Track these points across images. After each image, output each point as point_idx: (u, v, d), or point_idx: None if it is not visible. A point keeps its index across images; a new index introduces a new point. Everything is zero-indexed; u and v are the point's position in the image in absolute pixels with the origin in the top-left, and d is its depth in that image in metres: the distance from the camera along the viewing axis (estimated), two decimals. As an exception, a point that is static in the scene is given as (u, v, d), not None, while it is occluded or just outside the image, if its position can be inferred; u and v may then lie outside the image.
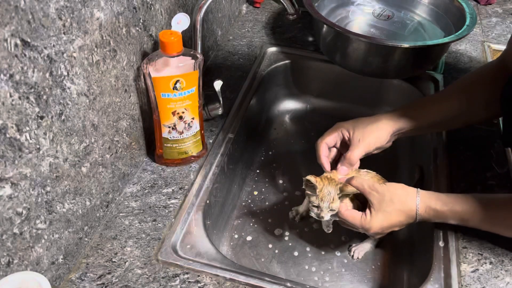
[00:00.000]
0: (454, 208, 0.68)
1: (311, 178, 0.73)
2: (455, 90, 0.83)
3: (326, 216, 0.72)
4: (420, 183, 0.88)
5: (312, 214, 0.74)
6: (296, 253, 0.88)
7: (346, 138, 0.79)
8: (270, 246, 0.90)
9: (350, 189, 0.71)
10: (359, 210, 0.74)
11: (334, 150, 0.82)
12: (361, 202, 0.74)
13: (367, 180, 0.72)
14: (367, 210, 0.71)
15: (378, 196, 0.70)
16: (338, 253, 0.88)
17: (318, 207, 0.73)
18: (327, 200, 0.71)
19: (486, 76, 0.82)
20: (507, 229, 0.68)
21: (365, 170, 0.79)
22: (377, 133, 0.78)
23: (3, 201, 0.52)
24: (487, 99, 0.79)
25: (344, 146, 0.81)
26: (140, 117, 0.80)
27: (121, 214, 0.76)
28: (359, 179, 0.72)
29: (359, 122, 0.80)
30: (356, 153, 0.77)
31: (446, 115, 0.81)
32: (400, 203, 0.69)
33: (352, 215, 0.72)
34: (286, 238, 0.91)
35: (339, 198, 0.72)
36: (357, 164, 0.79)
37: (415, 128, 0.80)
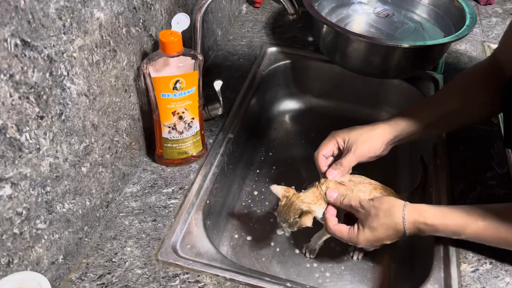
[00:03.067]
0: (445, 221, 0.67)
1: (277, 189, 0.74)
2: (451, 91, 0.83)
3: (285, 231, 0.74)
4: (424, 182, 0.87)
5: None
6: (295, 254, 0.88)
7: (341, 147, 0.79)
8: (270, 246, 0.90)
9: (306, 221, 0.71)
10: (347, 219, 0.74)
11: (330, 159, 0.81)
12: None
13: (354, 199, 0.72)
14: (355, 225, 0.71)
15: (364, 213, 0.70)
16: (338, 253, 0.88)
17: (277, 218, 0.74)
18: (283, 218, 0.72)
19: (480, 75, 0.82)
20: (500, 240, 0.67)
21: (359, 176, 0.78)
22: (370, 143, 0.78)
23: (3, 201, 0.52)
24: (482, 98, 0.79)
25: (339, 155, 0.80)
26: (140, 117, 0.80)
27: (121, 214, 0.76)
28: (346, 199, 0.72)
29: (354, 131, 0.79)
30: (347, 161, 0.77)
31: (443, 118, 0.81)
32: (386, 217, 0.68)
33: (340, 230, 0.71)
34: (286, 238, 0.91)
35: (295, 222, 0.72)
36: (349, 171, 0.79)
37: (414, 132, 0.80)
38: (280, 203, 0.73)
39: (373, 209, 0.69)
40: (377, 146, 0.79)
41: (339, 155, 0.80)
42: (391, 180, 1.00)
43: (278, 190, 0.74)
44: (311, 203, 0.72)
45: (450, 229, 0.67)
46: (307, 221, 0.71)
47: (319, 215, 0.73)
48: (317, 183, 0.75)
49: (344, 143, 0.79)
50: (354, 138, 0.78)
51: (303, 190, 0.76)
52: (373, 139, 0.78)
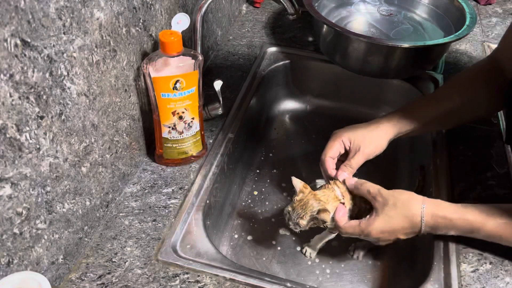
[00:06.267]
0: (465, 216, 0.67)
1: (297, 182, 0.73)
2: (451, 89, 0.83)
3: (293, 227, 0.73)
4: (422, 185, 0.88)
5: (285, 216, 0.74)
6: (296, 253, 0.88)
7: (347, 148, 0.79)
8: (270, 246, 0.90)
9: (325, 217, 0.70)
10: (359, 213, 0.74)
11: (335, 160, 0.81)
12: (364, 207, 0.74)
13: (373, 186, 0.71)
14: (368, 215, 0.70)
15: (381, 201, 0.69)
16: (338, 253, 0.88)
17: (288, 214, 0.73)
18: (297, 214, 0.71)
19: (479, 74, 0.82)
20: None
21: (357, 179, 0.78)
22: (376, 143, 0.78)
23: (3, 201, 0.52)
24: (482, 96, 0.80)
25: (343, 155, 0.80)
26: (140, 117, 0.80)
27: (121, 214, 0.76)
28: (365, 185, 0.72)
29: (358, 131, 0.79)
30: (356, 162, 0.77)
31: (443, 115, 0.81)
32: (404, 208, 0.68)
33: (351, 225, 0.71)
34: (286, 238, 0.91)
35: (312, 218, 0.71)
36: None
37: (414, 129, 0.80)
38: (295, 197, 0.73)
39: (392, 198, 0.68)
40: (382, 145, 0.79)
41: (344, 155, 0.80)
42: (391, 181, 1.01)
43: (298, 183, 0.73)
44: (326, 203, 0.72)
45: (469, 224, 0.67)
46: (327, 217, 0.70)
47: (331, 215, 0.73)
48: (329, 185, 0.75)
49: (350, 143, 0.78)
50: (360, 138, 0.78)
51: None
52: (378, 138, 0.79)
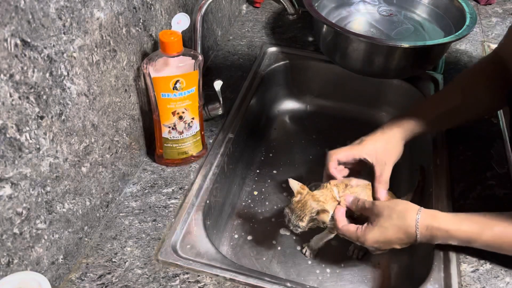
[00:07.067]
0: (460, 227, 0.66)
1: (294, 183, 0.73)
2: (455, 89, 0.83)
3: (294, 229, 0.73)
4: (422, 185, 0.88)
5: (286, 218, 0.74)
6: (296, 253, 0.88)
7: (371, 163, 0.79)
8: (270, 246, 0.90)
9: (324, 218, 0.70)
10: (361, 215, 0.74)
11: (345, 169, 0.81)
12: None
13: (368, 201, 0.72)
14: (365, 224, 0.71)
15: (376, 213, 0.69)
16: (338, 253, 0.88)
17: (287, 216, 0.73)
18: (296, 216, 0.71)
19: (483, 72, 0.83)
20: None
21: (364, 180, 0.78)
22: (396, 150, 0.80)
23: (3, 201, 0.52)
24: (486, 94, 0.80)
25: (358, 165, 0.80)
26: (140, 117, 0.80)
27: (121, 214, 0.76)
28: (360, 201, 0.72)
29: (377, 145, 0.79)
30: (386, 175, 0.78)
31: (447, 114, 0.82)
32: (399, 219, 0.68)
33: (348, 229, 0.71)
34: (286, 238, 0.91)
35: (311, 219, 0.71)
36: (346, 171, 0.80)
37: (424, 131, 0.81)
38: (293, 199, 0.73)
39: (387, 210, 0.69)
40: (401, 151, 0.81)
41: (357, 166, 0.81)
42: (391, 181, 1.00)
43: (295, 185, 0.74)
44: (325, 203, 0.72)
45: (465, 235, 0.67)
46: (326, 218, 0.71)
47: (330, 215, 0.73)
48: (327, 185, 0.75)
49: (375, 159, 0.78)
50: (383, 152, 0.79)
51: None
52: (397, 146, 0.80)
